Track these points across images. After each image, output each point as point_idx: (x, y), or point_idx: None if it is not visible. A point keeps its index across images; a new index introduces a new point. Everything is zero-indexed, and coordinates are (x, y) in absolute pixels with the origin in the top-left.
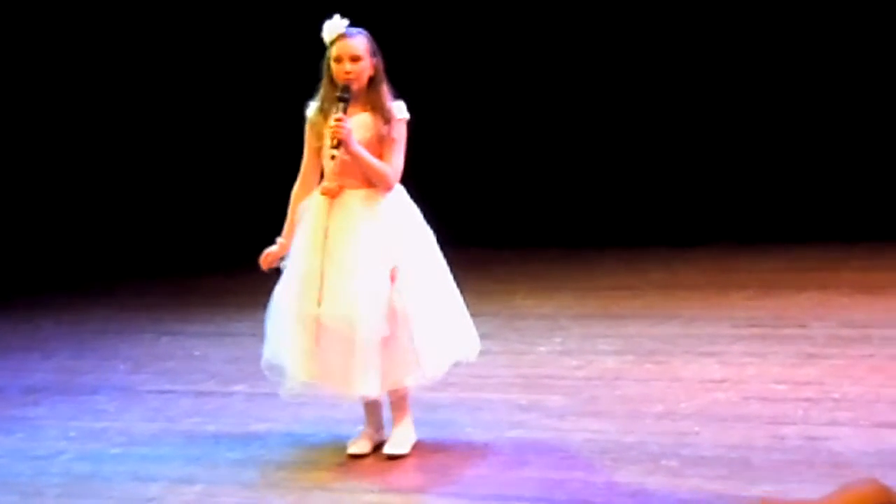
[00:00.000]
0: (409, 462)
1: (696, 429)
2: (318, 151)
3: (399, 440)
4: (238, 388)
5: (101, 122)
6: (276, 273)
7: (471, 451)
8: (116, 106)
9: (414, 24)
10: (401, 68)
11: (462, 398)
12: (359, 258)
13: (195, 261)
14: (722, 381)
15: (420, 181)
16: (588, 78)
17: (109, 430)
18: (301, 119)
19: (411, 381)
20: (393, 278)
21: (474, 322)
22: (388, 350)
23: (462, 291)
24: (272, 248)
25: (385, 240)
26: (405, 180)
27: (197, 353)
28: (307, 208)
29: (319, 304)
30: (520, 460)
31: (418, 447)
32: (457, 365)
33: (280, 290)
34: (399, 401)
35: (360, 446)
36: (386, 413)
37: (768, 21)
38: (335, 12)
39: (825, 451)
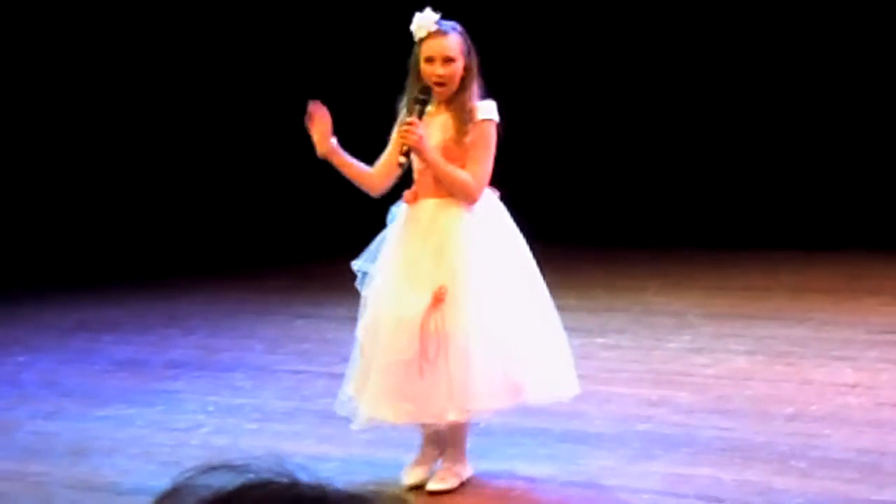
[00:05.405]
0: (539, 450)
1: (827, 431)
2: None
3: (445, 473)
4: None
5: (224, 118)
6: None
7: (599, 442)
8: (229, 102)
9: (516, 22)
10: (516, 67)
11: (592, 390)
12: (398, 275)
13: (321, 247)
14: (854, 385)
15: (556, 180)
16: (717, 76)
17: (246, 407)
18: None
19: (453, 418)
20: (439, 299)
21: (606, 318)
22: (423, 378)
23: (594, 287)
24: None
25: (437, 256)
26: (534, 181)
27: (330, 336)
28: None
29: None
30: (648, 454)
31: (546, 434)
32: (523, 406)
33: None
34: (453, 429)
35: (417, 474)
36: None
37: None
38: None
39: None
